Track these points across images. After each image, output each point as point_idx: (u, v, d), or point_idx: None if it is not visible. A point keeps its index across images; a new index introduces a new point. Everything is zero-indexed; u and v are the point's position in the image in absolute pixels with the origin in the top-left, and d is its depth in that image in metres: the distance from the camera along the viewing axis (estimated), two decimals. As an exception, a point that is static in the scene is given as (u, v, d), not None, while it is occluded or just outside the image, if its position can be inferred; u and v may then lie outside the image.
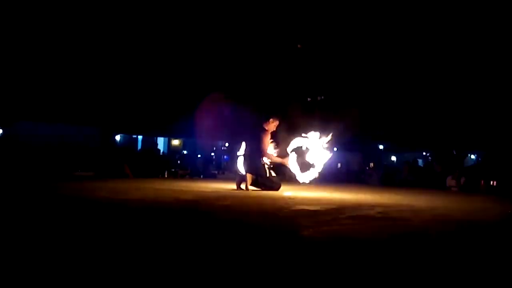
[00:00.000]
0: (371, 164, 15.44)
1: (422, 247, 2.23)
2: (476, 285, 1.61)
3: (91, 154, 12.15)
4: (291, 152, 6.03)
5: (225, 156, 17.83)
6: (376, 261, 1.87)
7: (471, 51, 12.87)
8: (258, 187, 6.01)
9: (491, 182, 9.65)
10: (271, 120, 6.14)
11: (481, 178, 9.80)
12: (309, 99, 14.16)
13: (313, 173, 5.96)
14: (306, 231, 2.50)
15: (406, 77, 13.94)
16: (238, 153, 6.44)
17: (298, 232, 2.47)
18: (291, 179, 6.90)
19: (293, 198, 4.74)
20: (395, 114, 15.00)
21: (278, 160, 6.13)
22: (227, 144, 18.79)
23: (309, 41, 13.37)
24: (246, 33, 12.85)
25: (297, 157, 6.07)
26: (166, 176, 12.11)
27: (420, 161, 18.02)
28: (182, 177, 12.11)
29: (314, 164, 5.93)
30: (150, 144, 18.31)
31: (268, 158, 6.05)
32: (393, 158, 23.44)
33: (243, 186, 6.00)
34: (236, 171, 6.43)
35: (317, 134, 5.96)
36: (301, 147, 6.03)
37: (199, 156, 18.44)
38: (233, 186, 6.22)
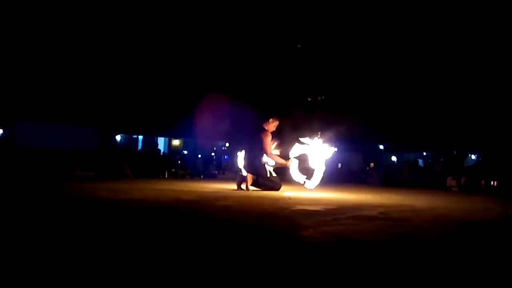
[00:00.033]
0: (371, 164, 15.44)
1: (422, 247, 2.23)
2: (476, 285, 1.61)
3: (91, 154, 12.16)
4: (293, 158, 6.02)
5: (225, 156, 17.84)
6: (376, 261, 1.87)
7: (471, 51, 12.87)
8: (259, 187, 6.01)
9: (492, 182, 9.65)
10: (270, 120, 6.14)
11: (481, 178, 9.80)
12: (309, 99, 14.16)
13: (316, 179, 5.97)
14: (306, 231, 2.50)
15: (406, 77, 13.94)
16: (239, 153, 6.45)
17: (298, 232, 2.47)
18: (291, 180, 6.91)
19: (294, 198, 4.74)
20: (395, 114, 15.00)
21: (281, 161, 6.12)
22: (227, 144, 18.80)
23: (309, 41, 13.37)
24: (246, 33, 12.86)
25: (299, 163, 6.07)
26: (166, 176, 12.12)
27: (420, 161, 18.03)
28: (183, 177, 12.12)
29: (317, 169, 5.94)
30: (151, 144, 18.32)
31: (271, 159, 6.04)
32: (393, 158, 23.45)
33: (243, 186, 6.00)
34: (237, 171, 6.43)
35: (319, 138, 5.95)
36: (303, 153, 6.03)
37: (199, 156, 18.46)
38: (234, 186, 6.22)
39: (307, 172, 6.08)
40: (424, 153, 21.79)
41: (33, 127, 14.51)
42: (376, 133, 16.77)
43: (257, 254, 1.91)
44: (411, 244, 2.30)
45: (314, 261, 1.82)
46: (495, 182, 9.60)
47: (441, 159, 16.33)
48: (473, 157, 20.28)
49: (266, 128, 6.10)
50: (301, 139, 6.03)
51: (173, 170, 13.17)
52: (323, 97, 14.11)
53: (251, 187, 5.99)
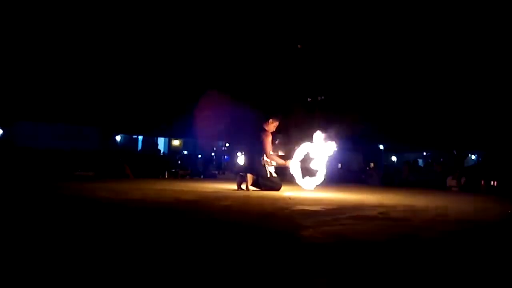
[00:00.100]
0: (372, 164, 15.43)
1: (422, 247, 2.23)
2: (476, 285, 1.61)
3: (91, 154, 12.16)
4: (297, 160, 6.03)
5: (225, 156, 17.83)
6: (376, 261, 1.87)
7: (471, 51, 12.87)
8: (259, 188, 6.01)
9: (492, 182, 9.64)
10: (270, 120, 6.13)
11: (481, 178, 9.80)
12: (309, 99, 14.16)
13: (317, 180, 5.97)
14: (306, 231, 2.50)
15: (406, 77, 13.94)
16: (239, 154, 6.44)
17: (298, 232, 2.47)
18: (292, 180, 6.91)
19: (294, 198, 4.74)
20: (395, 114, 15.00)
21: (281, 161, 6.12)
22: (227, 144, 18.79)
23: (309, 41, 13.37)
24: (246, 33, 12.86)
25: (301, 164, 6.07)
26: (166, 176, 12.11)
27: (420, 161, 18.03)
28: (183, 177, 12.12)
29: (318, 170, 5.94)
30: (151, 144, 18.32)
31: (271, 159, 6.04)
32: (393, 158, 23.45)
33: (243, 186, 6.00)
34: (237, 172, 6.43)
35: (321, 138, 5.95)
36: (305, 154, 6.03)
37: (199, 156, 18.45)
38: (234, 186, 6.22)
39: (308, 172, 6.08)
40: (424, 153, 21.78)
41: (33, 127, 14.52)
42: (376, 133, 16.77)
43: (257, 254, 1.91)
44: (411, 244, 2.30)
45: (314, 261, 1.82)
46: (495, 182, 9.59)
47: (441, 159, 16.33)
48: (473, 157, 20.28)
49: (266, 129, 6.10)
50: (304, 140, 6.04)
51: (173, 170, 13.16)
52: (323, 97, 14.11)
53: (251, 187, 5.99)
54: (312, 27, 12.92)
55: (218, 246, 2.05)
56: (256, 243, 2.18)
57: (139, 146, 19.06)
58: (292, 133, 6.71)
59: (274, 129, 6.23)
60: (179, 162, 15.57)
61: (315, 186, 6.00)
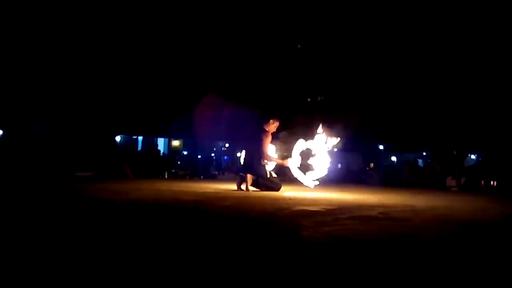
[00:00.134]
0: (371, 164, 15.42)
1: (422, 247, 2.23)
2: (476, 285, 1.62)
3: (91, 155, 12.15)
4: (296, 155, 6.01)
5: (225, 157, 17.84)
6: (376, 261, 1.87)
7: (470, 51, 12.87)
8: (259, 188, 6.01)
9: (491, 182, 9.64)
10: (271, 121, 6.13)
11: (481, 178, 9.79)
12: (309, 99, 14.16)
13: (317, 174, 5.94)
14: (306, 232, 2.50)
15: (406, 77, 13.94)
16: (239, 154, 6.44)
17: (298, 232, 2.48)
18: (292, 180, 6.90)
19: (294, 199, 4.74)
20: (395, 114, 15.00)
21: (278, 161, 6.12)
22: (227, 145, 18.80)
23: (309, 41, 13.37)
24: (246, 33, 12.86)
25: (300, 160, 6.06)
26: (166, 176, 12.10)
27: (420, 161, 18.01)
28: (182, 177, 12.11)
29: (318, 167, 5.92)
30: (150, 144, 18.32)
31: (268, 159, 6.04)
32: (393, 158, 23.43)
33: (243, 186, 6.00)
34: (237, 172, 6.43)
35: (323, 136, 5.94)
36: (304, 150, 6.02)
37: (199, 156, 18.45)
38: (234, 186, 6.22)
39: (308, 169, 6.06)
40: (424, 153, 21.77)
41: (33, 127, 14.53)
42: (376, 133, 16.77)
43: (257, 254, 1.91)
44: (411, 244, 2.30)
45: (314, 261, 1.82)
46: (495, 182, 9.59)
47: (441, 159, 16.32)
48: (473, 157, 20.27)
49: (267, 129, 6.09)
50: (303, 138, 6.03)
51: (173, 170, 13.15)
52: (322, 98, 14.11)
53: (251, 188, 5.99)
54: (312, 27, 12.92)
55: (218, 246, 2.05)
56: (256, 243, 2.18)
57: (139, 147, 19.06)
58: (295, 131, 6.71)
59: (275, 130, 6.23)
60: (178, 162, 15.56)
61: (315, 180, 5.95)
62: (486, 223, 3.36)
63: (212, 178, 12.48)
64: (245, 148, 6.33)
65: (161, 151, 17.60)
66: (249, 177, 6.00)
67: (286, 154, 6.28)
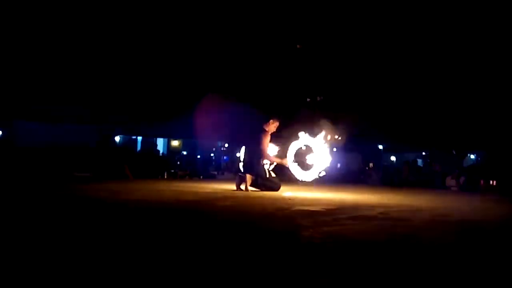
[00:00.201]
0: (371, 164, 15.43)
1: (422, 247, 2.23)
2: (476, 285, 1.61)
3: (91, 155, 12.14)
4: (293, 152, 6.00)
5: (224, 157, 17.82)
6: (376, 261, 1.86)
7: (470, 51, 12.87)
8: (258, 188, 6.01)
9: (491, 182, 9.66)
10: (271, 121, 6.13)
11: (481, 178, 9.82)
12: (308, 99, 14.16)
13: (314, 173, 5.93)
14: (306, 232, 2.50)
15: (406, 77, 13.93)
16: (238, 154, 6.43)
17: (298, 232, 2.47)
18: (291, 180, 6.89)
19: (293, 199, 4.74)
20: (394, 114, 15.00)
21: (278, 160, 6.12)
22: (226, 145, 18.78)
23: (309, 41, 13.37)
24: (245, 33, 12.85)
25: (298, 157, 6.05)
26: (165, 177, 12.10)
27: (420, 161, 18.02)
28: (182, 178, 12.10)
29: (315, 164, 5.91)
30: (150, 145, 18.31)
31: (268, 159, 6.04)
32: (393, 158, 23.43)
33: (243, 186, 6.00)
34: (236, 172, 6.42)
35: (322, 134, 5.93)
36: (302, 147, 6.01)
37: (198, 157, 18.44)
38: (233, 186, 6.22)
39: (305, 166, 6.04)
40: (424, 153, 21.77)
41: (33, 127, 14.51)
42: (376, 133, 16.77)
43: (257, 254, 1.91)
44: (411, 244, 2.30)
45: (314, 261, 1.82)
46: (495, 182, 9.61)
47: (441, 159, 16.33)
48: (472, 157, 20.27)
49: (267, 129, 6.09)
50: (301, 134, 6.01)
51: (172, 171, 13.15)
52: (322, 98, 14.11)
53: (250, 188, 5.99)
54: (312, 27, 12.92)
55: (218, 247, 2.05)
56: (256, 243, 2.17)
57: (138, 147, 19.04)
58: (294, 130, 6.69)
59: (275, 130, 6.23)
60: (178, 162, 15.54)
61: (314, 177, 5.92)
62: (485, 223, 3.35)
63: (211, 178, 12.48)
64: (244, 148, 6.32)
65: (161, 151, 17.60)
66: (249, 177, 6.00)
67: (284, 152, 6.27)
